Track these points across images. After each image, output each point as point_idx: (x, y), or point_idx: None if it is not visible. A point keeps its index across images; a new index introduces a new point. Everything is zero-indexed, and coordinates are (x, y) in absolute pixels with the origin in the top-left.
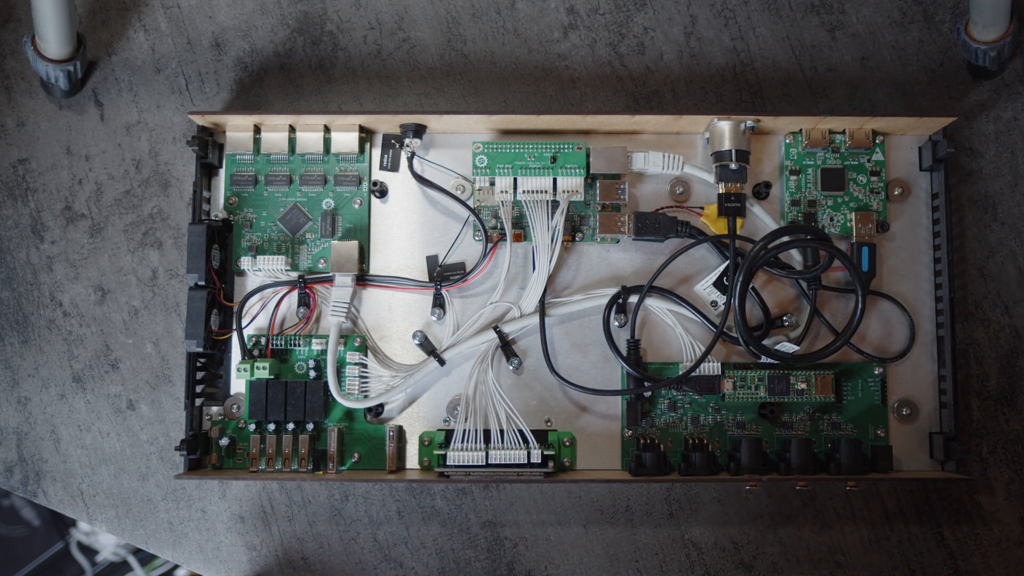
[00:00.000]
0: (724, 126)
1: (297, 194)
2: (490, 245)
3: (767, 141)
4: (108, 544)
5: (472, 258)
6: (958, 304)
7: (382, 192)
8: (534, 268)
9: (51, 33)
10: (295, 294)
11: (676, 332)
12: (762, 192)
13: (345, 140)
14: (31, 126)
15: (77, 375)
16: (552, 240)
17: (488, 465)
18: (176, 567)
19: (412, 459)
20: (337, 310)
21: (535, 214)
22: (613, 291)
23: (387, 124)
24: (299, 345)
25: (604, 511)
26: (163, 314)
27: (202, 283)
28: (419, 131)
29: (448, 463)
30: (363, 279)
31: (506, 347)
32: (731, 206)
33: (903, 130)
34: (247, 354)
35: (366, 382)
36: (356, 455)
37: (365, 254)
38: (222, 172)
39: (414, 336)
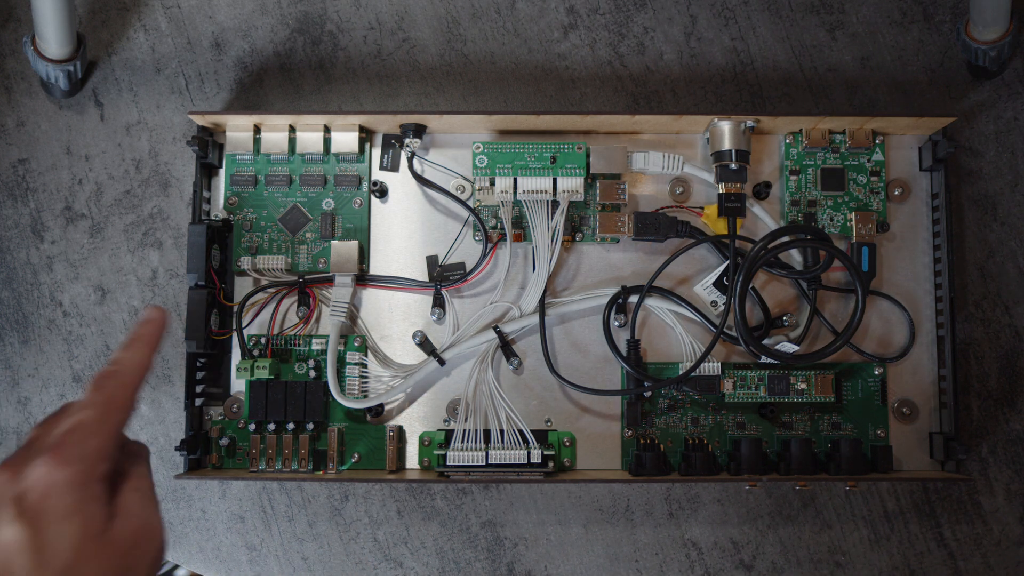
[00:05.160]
0: (724, 126)
1: (297, 194)
2: (490, 245)
3: (767, 141)
4: None
5: (472, 258)
6: (958, 304)
7: (382, 192)
8: (534, 268)
9: (51, 33)
10: (295, 294)
11: (676, 332)
12: (762, 192)
13: (345, 140)
14: (31, 126)
15: (77, 375)
16: (552, 240)
17: (488, 465)
18: (176, 567)
19: (412, 459)
20: (337, 310)
21: (535, 214)
22: (613, 291)
23: (387, 124)
24: (299, 345)
25: (604, 511)
26: None
27: (202, 283)
28: (419, 131)
29: (448, 463)
30: (363, 279)
31: (506, 347)
32: (731, 206)
33: (903, 130)
34: (247, 354)
35: (366, 382)
36: (356, 455)
37: (365, 254)
38: (222, 172)
39: (414, 336)
